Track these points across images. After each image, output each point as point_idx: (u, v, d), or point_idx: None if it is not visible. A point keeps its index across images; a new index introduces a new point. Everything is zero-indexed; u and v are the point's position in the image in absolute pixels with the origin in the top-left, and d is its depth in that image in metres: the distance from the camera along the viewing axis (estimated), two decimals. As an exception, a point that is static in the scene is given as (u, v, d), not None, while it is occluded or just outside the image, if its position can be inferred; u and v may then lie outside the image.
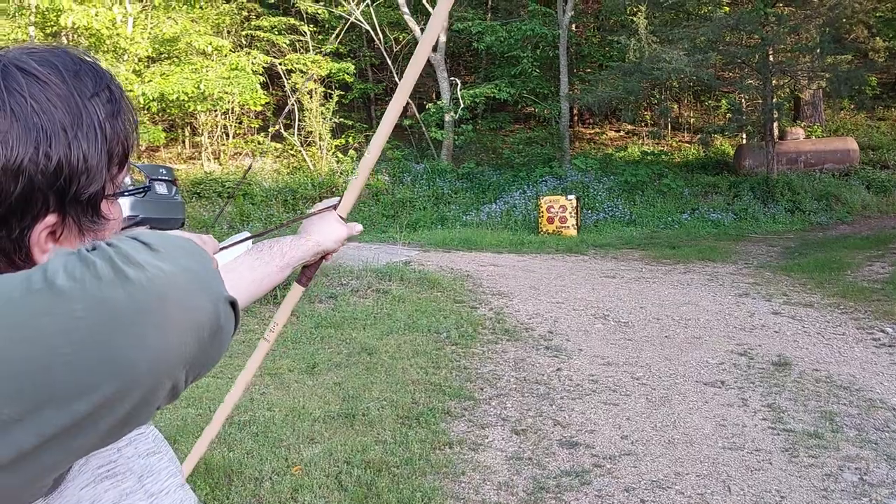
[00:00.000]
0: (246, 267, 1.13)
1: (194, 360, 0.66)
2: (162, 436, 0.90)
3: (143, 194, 0.88)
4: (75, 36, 15.69)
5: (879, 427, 4.10)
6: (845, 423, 4.16)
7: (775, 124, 16.12)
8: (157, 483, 0.82)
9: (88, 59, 0.78)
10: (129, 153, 0.79)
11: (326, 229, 1.25)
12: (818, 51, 15.49)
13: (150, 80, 15.13)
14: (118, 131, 0.76)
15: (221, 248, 1.12)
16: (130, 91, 14.91)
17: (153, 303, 0.61)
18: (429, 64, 20.40)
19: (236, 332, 0.73)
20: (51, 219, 0.72)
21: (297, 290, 1.31)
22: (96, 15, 13.85)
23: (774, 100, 15.56)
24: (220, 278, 0.70)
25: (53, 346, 0.58)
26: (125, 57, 15.52)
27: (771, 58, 15.19)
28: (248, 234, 1.18)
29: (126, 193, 0.83)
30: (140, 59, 15.83)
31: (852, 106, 20.26)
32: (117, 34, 14.89)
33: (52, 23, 14.60)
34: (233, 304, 0.69)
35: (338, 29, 20.32)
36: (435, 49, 19.37)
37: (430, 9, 19.18)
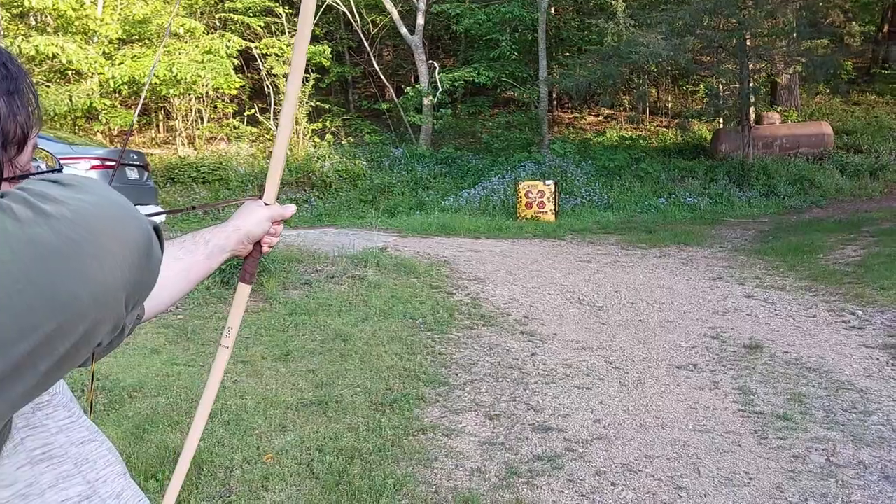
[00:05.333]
0: (170, 258, 1.09)
1: (134, 286, 0.66)
2: (96, 426, 0.88)
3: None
4: (43, 17, 15.36)
5: (847, 408, 4.16)
6: (814, 405, 4.21)
7: (752, 109, 16.22)
8: (94, 471, 0.82)
9: None
10: (29, 135, 0.78)
11: (246, 212, 1.21)
12: (794, 35, 15.58)
13: (121, 63, 14.84)
14: (14, 110, 0.74)
15: None
16: (100, 74, 14.65)
17: (84, 234, 0.61)
18: (407, 47, 20.25)
19: (162, 254, 0.74)
20: None
21: (243, 289, 1.26)
22: (63, -5, 13.56)
23: (751, 84, 15.64)
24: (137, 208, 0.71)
25: None
26: (95, 39, 15.22)
27: (748, 42, 15.25)
28: (159, 209, 1.15)
29: (35, 176, 0.81)
30: (110, 42, 15.52)
31: (827, 90, 20.45)
32: (86, 15, 14.59)
33: (18, 4, 14.27)
34: (156, 228, 0.71)
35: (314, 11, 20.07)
36: (413, 32, 19.23)
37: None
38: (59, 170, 0.90)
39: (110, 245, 0.63)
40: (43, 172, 0.87)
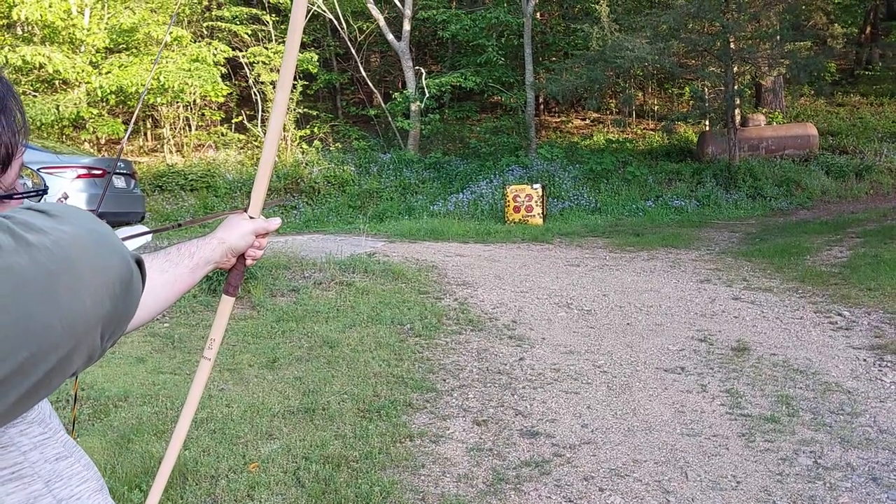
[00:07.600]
0: (155, 269, 1.09)
1: (109, 318, 0.66)
2: (73, 442, 0.87)
3: (39, 197, 0.85)
4: (29, 28, 15.26)
5: (834, 410, 4.17)
6: (801, 407, 4.23)
7: (737, 111, 16.30)
8: (67, 488, 0.80)
9: None
10: (14, 154, 0.77)
11: (230, 225, 1.21)
12: (778, 38, 15.69)
13: (109, 72, 14.77)
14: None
15: None
16: (87, 83, 14.57)
17: (61, 264, 0.61)
18: (394, 53, 20.26)
19: (143, 289, 0.74)
20: None
21: (227, 302, 1.26)
22: (50, 6, 13.45)
23: (736, 87, 15.72)
24: (121, 240, 0.70)
25: None
26: (82, 48, 15.14)
27: (732, 45, 15.33)
28: (146, 229, 1.15)
29: (21, 196, 0.80)
30: (97, 51, 15.45)
31: (812, 92, 20.58)
32: (73, 25, 14.51)
33: (5, 15, 14.18)
34: (139, 262, 0.70)
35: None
36: (400, 38, 19.24)
37: (393, -3, 19.06)
38: (45, 190, 0.89)
39: (88, 277, 0.63)
40: (29, 193, 0.86)
